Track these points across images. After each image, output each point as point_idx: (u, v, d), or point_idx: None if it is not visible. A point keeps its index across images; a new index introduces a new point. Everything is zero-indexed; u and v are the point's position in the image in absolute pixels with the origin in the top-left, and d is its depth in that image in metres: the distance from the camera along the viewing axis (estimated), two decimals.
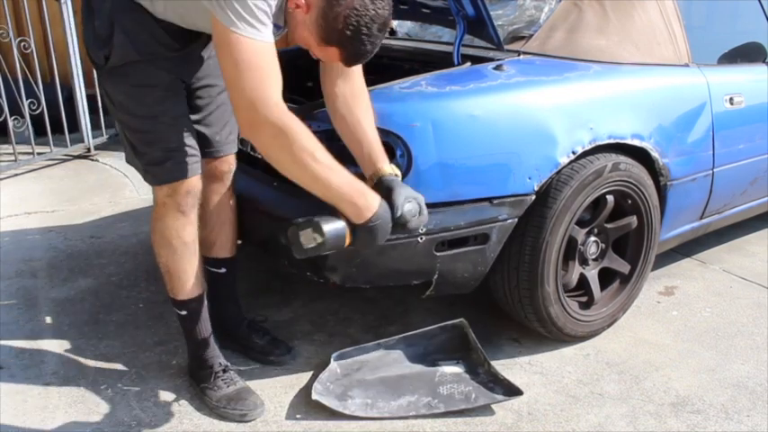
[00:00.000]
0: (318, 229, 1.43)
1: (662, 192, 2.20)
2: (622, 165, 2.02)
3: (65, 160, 4.27)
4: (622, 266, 2.21)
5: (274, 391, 1.93)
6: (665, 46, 2.24)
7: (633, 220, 2.15)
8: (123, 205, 3.44)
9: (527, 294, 1.98)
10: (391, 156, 1.78)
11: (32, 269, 2.70)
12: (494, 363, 1.99)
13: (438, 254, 1.84)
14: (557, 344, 2.17)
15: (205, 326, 1.90)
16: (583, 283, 2.14)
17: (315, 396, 1.84)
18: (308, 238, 1.44)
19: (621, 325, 2.28)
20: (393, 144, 1.77)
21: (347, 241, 1.45)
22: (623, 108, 2.06)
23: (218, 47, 1.45)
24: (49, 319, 2.32)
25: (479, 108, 1.85)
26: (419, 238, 1.79)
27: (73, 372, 2.02)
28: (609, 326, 2.23)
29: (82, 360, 2.08)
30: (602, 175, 1.97)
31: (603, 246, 2.16)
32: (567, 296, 2.09)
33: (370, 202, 1.47)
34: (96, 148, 4.39)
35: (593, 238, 2.12)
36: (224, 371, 1.88)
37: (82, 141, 4.33)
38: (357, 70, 1.65)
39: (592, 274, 2.15)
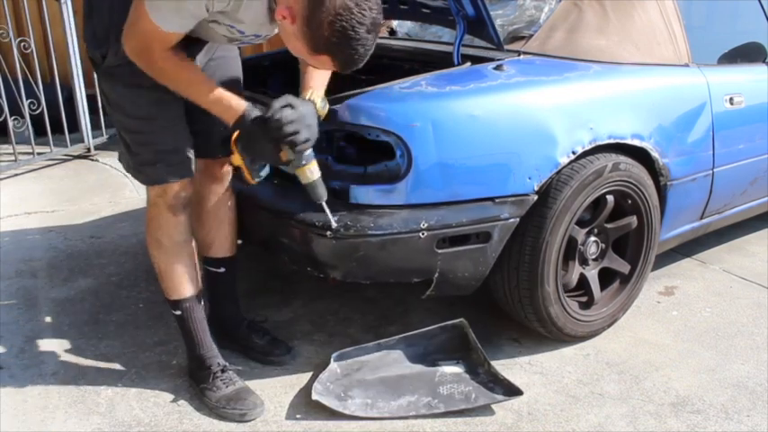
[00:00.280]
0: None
1: (662, 192, 2.20)
2: (622, 165, 2.02)
3: (65, 160, 4.27)
4: (622, 266, 2.21)
5: (274, 391, 1.93)
6: (665, 46, 2.24)
7: (633, 220, 2.15)
8: (123, 205, 3.44)
9: (527, 294, 1.98)
10: (391, 156, 1.79)
11: (32, 269, 2.70)
12: (494, 363, 1.99)
13: (439, 251, 1.84)
14: (557, 344, 2.17)
15: (201, 326, 1.90)
16: (583, 283, 2.14)
17: (315, 396, 1.84)
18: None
19: (621, 325, 2.28)
20: (393, 144, 1.77)
21: (233, 139, 1.65)
22: (623, 108, 2.06)
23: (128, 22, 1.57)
24: (49, 319, 2.32)
25: (479, 108, 1.85)
26: (420, 234, 1.79)
27: (73, 372, 2.02)
28: (609, 326, 2.23)
29: (82, 360, 2.08)
30: (602, 175, 1.97)
31: (603, 246, 2.16)
32: (567, 296, 2.09)
33: (235, 107, 1.61)
34: (96, 148, 4.39)
35: (593, 238, 2.12)
36: (223, 371, 1.88)
37: (82, 141, 4.33)
38: None
39: (592, 274, 2.15)
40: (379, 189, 1.79)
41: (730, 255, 2.86)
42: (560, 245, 1.97)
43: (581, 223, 2.05)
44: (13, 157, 3.95)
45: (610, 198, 2.05)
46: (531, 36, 2.17)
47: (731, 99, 2.36)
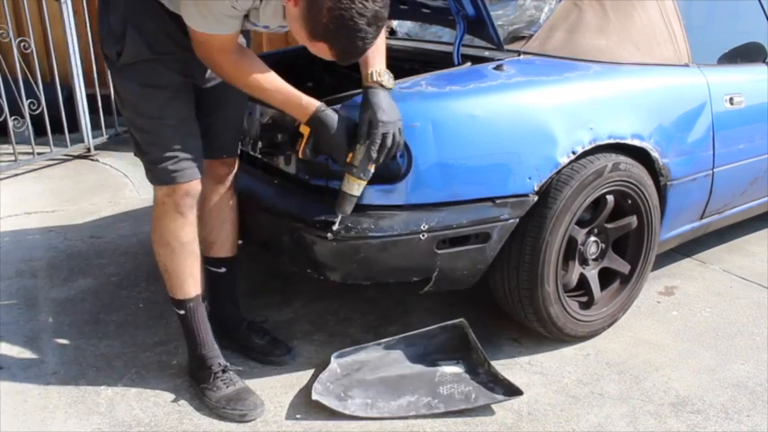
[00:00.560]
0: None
1: (662, 192, 2.20)
2: (622, 165, 2.02)
3: (65, 160, 4.27)
4: (622, 266, 2.21)
5: (274, 391, 1.93)
6: (665, 46, 2.24)
7: (633, 220, 2.15)
8: (123, 205, 3.44)
9: (527, 294, 1.98)
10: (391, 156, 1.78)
11: (32, 269, 2.70)
12: (494, 363, 1.99)
13: (439, 251, 1.84)
14: (557, 344, 2.17)
15: (203, 326, 1.90)
16: (583, 283, 2.14)
17: (315, 396, 1.84)
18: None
19: (621, 325, 2.28)
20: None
21: (302, 128, 1.72)
22: (623, 108, 2.06)
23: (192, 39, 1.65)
24: (49, 319, 2.32)
25: (479, 108, 1.85)
26: (421, 235, 1.79)
27: (73, 372, 2.02)
28: (609, 326, 2.23)
29: (82, 360, 2.08)
30: (602, 175, 1.97)
31: (603, 246, 2.16)
32: (567, 296, 2.09)
33: (305, 106, 1.67)
34: (96, 148, 4.39)
35: (593, 238, 2.12)
36: (223, 371, 1.88)
37: (82, 141, 4.33)
38: None
39: (592, 274, 2.15)
40: (379, 189, 1.79)
41: (730, 255, 2.86)
42: (560, 245, 1.97)
43: (581, 223, 2.05)
44: (13, 157, 3.94)
45: (610, 198, 2.05)
46: (531, 36, 2.17)
47: (731, 99, 2.36)
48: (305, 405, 1.87)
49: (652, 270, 2.36)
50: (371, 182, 1.76)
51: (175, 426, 1.80)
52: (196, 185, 1.77)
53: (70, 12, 4.11)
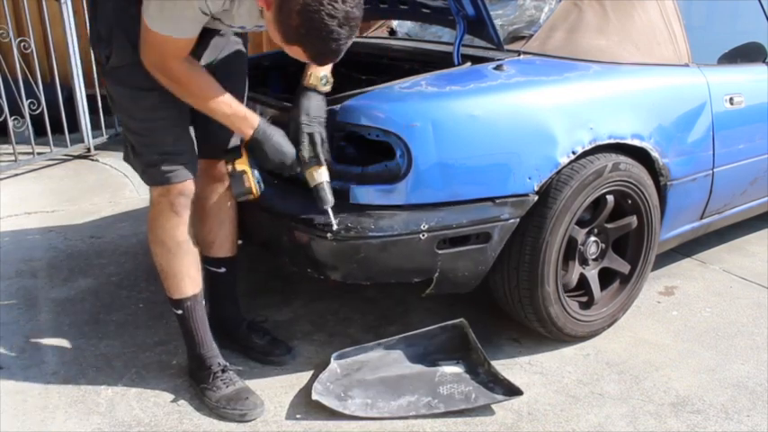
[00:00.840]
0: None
1: (662, 192, 2.20)
2: (622, 165, 2.02)
3: (65, 160, 4.27)
4: (622, 266, 2.21)
5: (274, 391, 1.93)
6: (665, 46, 2.24)
7: (633, 220, 2.15)
8: (123, 205, 3.44)
9: (527, 294, 1.98)
10: (391, 156, 1.78)
11: (32, 269, 2.70)
12: (494, 363, 1.99)
13: (439, 252, 1.84)
14: (557, 344, 2.17)
15: (202, 325, 1.90)
16: (583, 283, 2.14)
17: (315, 396, 1.84)
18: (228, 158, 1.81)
19: (621, 325, 2.28)
20: (393, 144, 1.77)
21: (243, 151, 1.78)
22: (623, 108, 2.06)
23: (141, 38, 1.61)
24: (49, 319, 2.32)
25: (479, 108, 1.85)
26: (421, 235, 1.79)
27: (73, 372, 2.02)
28: (609, 326, 2.23)
29: (82, 360, 2.08)
30: (602, 175, 1.97)
31: (603, 246, 2.16)
32: (567, 296, 2.09)
33: (250, 122, 1.71)
34: (96, 148, 4.39)
35: (593, 238, 2.12)
36: (223, 371, 1.88)
37: (82, 141, 4.33)
38: None
39: (592, 274, 2.15)
40: (379, 189, 1.79)
41: (730, 255, 2.86)
42: (560, 245, 1.97)
43: (581, 223, 2.05)
44: (13, 157, 3.95)
45: (610, 198, 2.05)
46: (531, 36, 2.17)
47: (731, 99, 2.36)
48: (305, 405, 1.87)
49: (652, 270, 2.36)
50: (372, 182, 1.76)
51: (175, 426, 1.80)
52: (190, 185, 1.78)
53: (70, 12, 4.11)
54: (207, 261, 2.03)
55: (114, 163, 4.16)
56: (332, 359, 1.97)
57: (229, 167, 1.78)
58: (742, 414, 1.87)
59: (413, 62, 2.35)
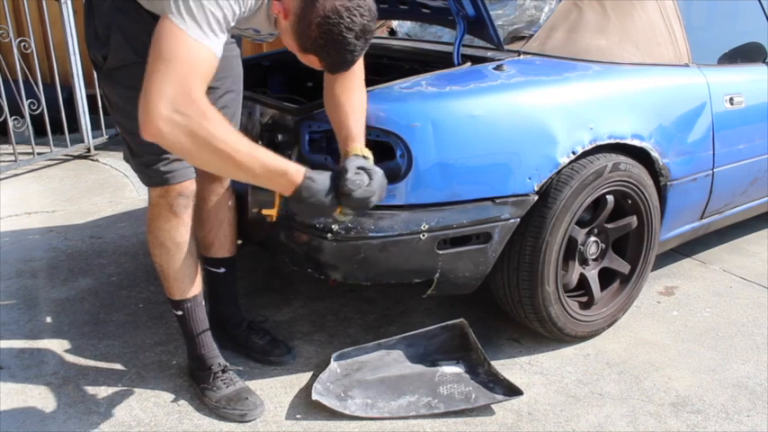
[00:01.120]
0: (255, 193, 1.56)
1: (662, 192, 2.20)
2: (622, 165, 2.02)
3: (65, 160, 4.27)
4: (622, 266, 2.21)
5: (274, 391, 1.93)
6: (665, 46, 2.24)
7: (633, 220, 2.15)
8: (123, 205, 3.44)
9: (527, 294, 1.98)
10: (391, 156, 1.79)
11: (32, 269, 2.70)
12: (494, 363, 1.99)
13: (440, 252, 1.84)
14: (557, 344, 2.17)
15: (202, 326, 1.90)
16: (583, 283, 2.14)
17: (315, 396, 1.84)
18: (253, 201, 1.57)
19: (621, 325, 2.28)
20: (393, 144, 1.77)
21: (276, 201, 1.56)
22: (623, 108, 2.06)
23: (153, 37, 1.37)
24: (49, 319, 2.32)
25: (479, 108, 1.85)
26: (421, 236, 1.79)
27: (73, 372, 2.02)
28: (609, 326, 2.23)
29: (82, 360, 2.08)
30: (602, 175, 1.97)
31: (603, 246, 2.16)
32: (567, 296, 2.09)
33: (291, 178, 1.46)
34: (96, 148, 4.39)
35: (593, 239, 2.12)
36: (223, 371, 1.88)
37: (82, 141, 4.33)
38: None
39: (592, 274, 2.15)
40: None
41: (730, 255, 2.87)
42: (560, 245, 1.97)
43: (581, 223, 2.05)
44: (13, 157, 3.95)
45: (610, 198, 2.05)
46: (531, 36, 2.17)
47: (731, 99, 2.36)
48: (305, 405, 1.87)
49: (652, 270, 2.36)
50: None
51: (175, 426, 1.80)
52: (189, 185, 1.77)
53: (70, 12, 4.11)
54: (206, 261, 2.03)
55: (114, 163, 4.16)
56: (332, 359, 1.97)
57: (254, 211, 1.57)
58: (742, 414, 1.87)
59: (413, 62, 2.35)
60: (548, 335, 2.12)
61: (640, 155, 2.09)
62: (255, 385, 1.92)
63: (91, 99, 4.32)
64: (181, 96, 1.33)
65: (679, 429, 1.80)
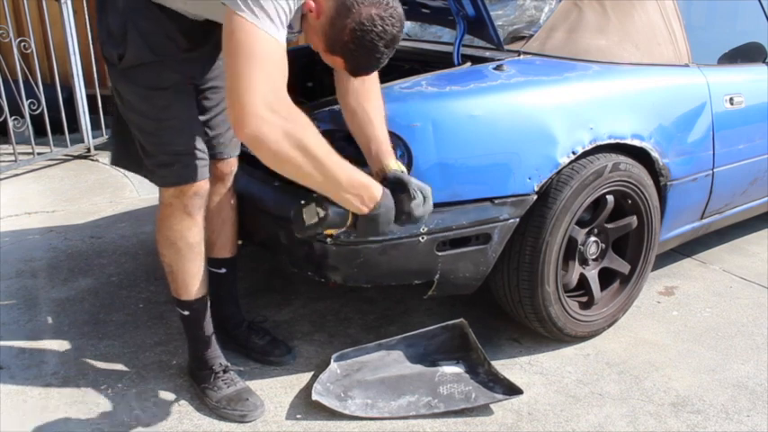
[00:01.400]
0: (321, 204, 1.44)
1: (662, 192, 2.20)
2: (622, 165, 2.02)
3: (65, 160, 4.27)
4: (622, 266, 2.21)
5: (274, 392, 1.93)
6: (665, 46, 2.24)
7: (633, 220, 2.15)
8: (123, 205, 3.44)
9: (527, 294, 1.98)
10: None
11: (32, 269, 2.70)
12: (494, 363, 1.99)
13: (439, 253, 1.84)
14: (557, 344, 2.17)
15: (207, 327, 1.90)
16: (583, 283, 2.14)
17: (315, 396, 1.84)
18: (310, 214, 1.45)
19: (621, 325, 2.28)
20: (393, 144, 1.77)
21: (348, 221, 1.45)
22: (623, 108, 2.06)
23: (224, 36, 1.35)
24: (49, 319, 2.32)
25: (479, 108, 1.85)
26: (420, 238, 1.79)
27: (73, 372, 2.02)
28: (609, 326, 2.24)
29: (82, 360, 2.08)
30: (602, 175, 1.97)
31: (603, 246, 2.16)
32: (567, 296, 2.09)
33: (373, 194, 1.45)
34: (96, 148, 4.39)
35: (593, 239, 2.12)
36: (224, 371, 1.88)
37: (82, 141, 4.33)
38: None
39: (592, 274, 2.16)
40: None
41: (730, 255, 2.87)
42: (560, 245, 1.97)
43: (581, 223, 2.05)
44: (13, 157, 3.94)
45: (610, 198, 2.05)
46: (531, 36, 2.17)
47: (731, 99, 2.36)
48: (305, 405, 1.87)
49: (652, 270, 2.36)
50: None
51: (175, 426, 1.80)
52: (205, 185, 1.76)
53: (70, 12, 4.11)
54: (208, 261, 2.03)
55: None
56: (332, 360, 1.97)
57: (320, 232, 1.46)
58: (742, 414, 1.87)
59: (413, 62, 2.35)
60: (548, 335, 2.12)
61: (640, 155, 2.09)
62: (256, 385, 1.92)
63: (91, 99, 4.32)
64: (272, 94, 1.32)
65: (679, 429, 1.81)
